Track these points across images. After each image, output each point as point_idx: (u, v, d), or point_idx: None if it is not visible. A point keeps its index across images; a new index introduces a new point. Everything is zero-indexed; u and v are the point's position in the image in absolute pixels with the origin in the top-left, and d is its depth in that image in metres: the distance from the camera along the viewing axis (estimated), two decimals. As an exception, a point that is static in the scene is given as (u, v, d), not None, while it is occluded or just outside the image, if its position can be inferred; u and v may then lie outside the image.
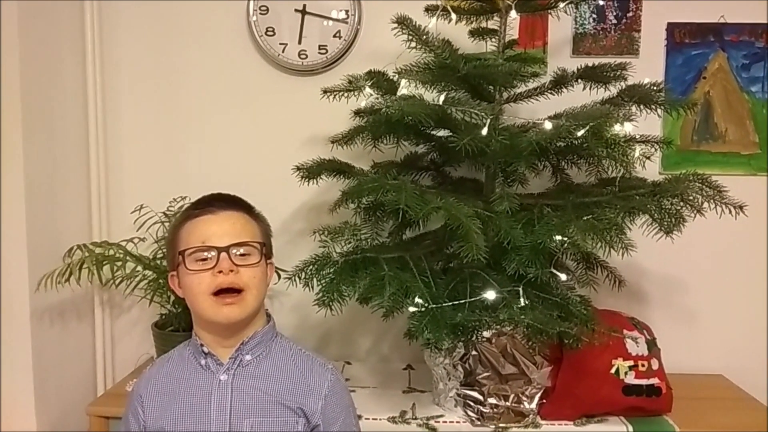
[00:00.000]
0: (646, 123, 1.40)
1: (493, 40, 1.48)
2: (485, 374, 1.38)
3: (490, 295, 1.30)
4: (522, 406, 1.40)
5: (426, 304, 1.27)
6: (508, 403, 1.39)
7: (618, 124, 1.27)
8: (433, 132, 1.48)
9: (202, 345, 1.12)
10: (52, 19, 1.65)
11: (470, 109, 1.29)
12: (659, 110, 1.44)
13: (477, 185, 1.59)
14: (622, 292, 1.64)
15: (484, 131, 1.28)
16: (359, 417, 1.29)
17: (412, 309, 1.27)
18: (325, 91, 1.47)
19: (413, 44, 1.39)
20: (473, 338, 1.36)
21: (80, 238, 1.70)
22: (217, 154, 1.83)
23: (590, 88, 1.48)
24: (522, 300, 1.29)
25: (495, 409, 1.39)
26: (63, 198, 1.70)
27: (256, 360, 1.12)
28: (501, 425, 1.38)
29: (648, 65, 1.72)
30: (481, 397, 1.39)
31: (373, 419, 1.41)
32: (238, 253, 1.08)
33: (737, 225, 1.36)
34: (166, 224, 1.64)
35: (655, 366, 1.43)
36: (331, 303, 1.29)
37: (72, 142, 1.74)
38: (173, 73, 1.82)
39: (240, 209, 1.14)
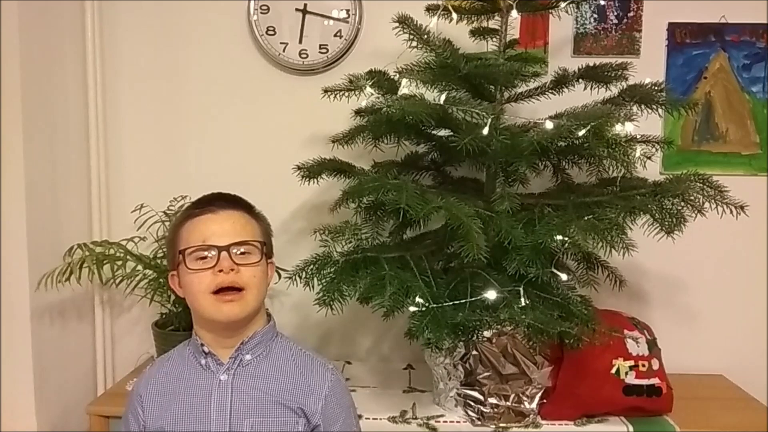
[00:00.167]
0: (647, 123, 1.40)
1: (494, 39, 1.48)
2: (486, 374, 1.38)
3: (491, 294, 1.30)
4: (522, 406, 1.40)
5: (426, 304, 1.27)
6: (508, 403, 1.39)
7: (619, 124, 1.27)
8: (434, 131, 1.48)
9: (202, 345, 1.12)
10: (53, 19, 1.65)
11: (471, 108, 1.29)
12: (660, 110, 1.44)
13: (478, 185, 1.59)
14: (622, 292, 1.64)
15: (485, 131, 1.28)
16: (359, 417, 1.29)
17: (412, 309, 1.27)
18: (325, 91, 1.47)
19: (414, 44, 1.40)
20: (474, 338, 1.36)
21: (80, 237, 1.70)
22: (218, 153, 1.83)
23: (591, 88, 1.48)
24: (523, 300, 1.29)
25: (495, 409, 1.39)
26: (63, 197, 1.70)
27: (256, 360, 1.12)
28: (501, 425, 1.38)
29: (649, 65, 1.72)
30: (481, 397, 1.39)
31: (373, 419, 1.41)
32: (238, 252, 1.08)
33: (738, 225, 1.35)
34: (167, 223, 1.64)
35: (655, 366, 1.43)
36: (331, 302, 1.29)
37: (72, 142, 1.74)
38: (174, 73, 1.82)
39: (240, 208, 1.14)
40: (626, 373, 1.40)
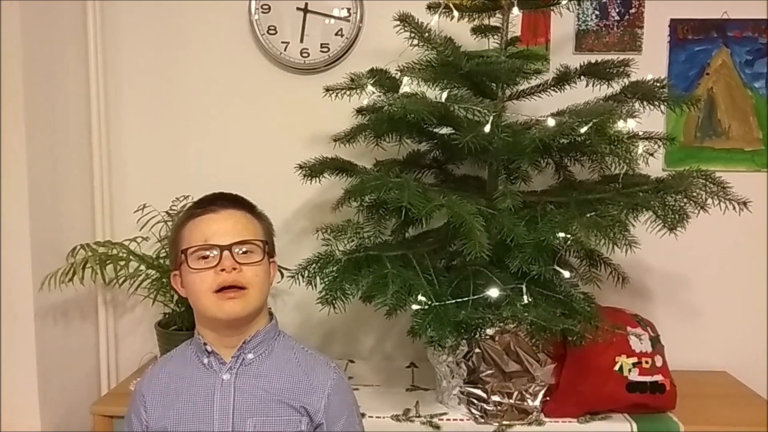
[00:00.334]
0: (649, 119, 1.40)
1: (496, 37, 1.48)
2: (489, 372, 1.38)
3: (494, 292, 1.30)
4: (525, 403, 1.40)
5: (429, 302, 1.27)
6: (511, 401, 1.39)
7: (621, 120, 1.27)
8: (436, 129, 1.48)
9: (205, 344, 1.12)
10: (54, 19, 1.65)
11: (473, 106, 1.29)
12: (662, 107, 1.44)
13: (480, 183, 1.58)
14: (625, 288, 1.64)
15: (487, 128, 1.27)
16: (362, 415, 1.29)
17: (415, 307, 1.27)
18: (327, 90, 1.47)
19: (415, 42, 1.39)
20: (476, 336, 1.36)
21: (83, 237, 1.71)
22: (220, 153, 1.83)
23: (593, 85, 1.48)
24: (525, 297, 1.29)
25: (498, 407, 1.39)
26: (66, 197, 1.70)
27: (258, 359, 1.12)
28: (504, 423, 1.37)
29: (651, 62, 1.71)
30: (484, 395, 1.39)
31: (376, 417, 1.41)
32: (240, 251, 1.09)
33: (741, 221, 1.35)
34: (169, 223, 1.65)
35: (658, 363, 1.42)
36: (334, 301, 1.29)
37: (75, 142, 1.74)
38: (175, 72, 1.82)
39: (242, 208, 1.14)
40: (629, 370, 1.40)
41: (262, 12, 1.76)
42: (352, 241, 1.38)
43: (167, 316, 1.66)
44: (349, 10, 1.75)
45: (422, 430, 1.38)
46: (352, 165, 1.51)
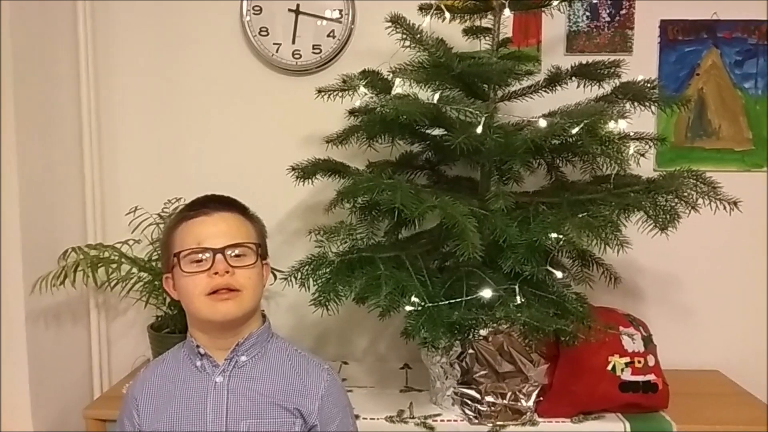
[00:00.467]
0: (640, 120, 1.41)
1: (487, 38, 1.48)
2: (482, 372, 1.38)
3: (487, 293, 1.30)
4: (519, 403, 1.40)
5: (422, 303, 1.27)
6: (505, 401, 1.39)
7: (612, 121, 1.27)
8: (428, 131, 1.48)
9: (198, 346, 1.11)
10: (46, 20, 1.64)
11: (465, 107, 1.29)
12: (653, 107, 1.44)
13: (472, 184, 1.59)
14: (617, 288, 1.64)
15: (479, 129, 1.28)
16: (356, 417, 1.29)
17: (408, 308, 1.27)
18: (319, 91, 1.47)
19: (407, 43, 1.39)
20: (470, 337, 1.36)
21: (75, 240, 1.70)
22: (212, 154, 1.82)
23: (584, 86, 1.49)
24: (518, 298, 1.29)
25: (492, 408, 1.39)
26: (58, 200, 1.69)
27: (251, 361, 1.12)
28: (498, 423, 1.38)
29: (641, 62, 1.72)
30: (478, 396, 1.39)
31: (370, 419, 1.41)
32: (233, 254, 1.08)
33: (732, 221, 1.36)
34: (161, 226, 1.64)
35: (651, 362, 1.43)
36: (327, 303, 1.29)
37: (66, 144, 1.73)
38: (167, 74, 1.81)
39: (235, 210, 1.14)
40: (622, 370, 1.40)
41: (254, 13, 1.76)
42: (345, 242, 1.37)
43: (160, 318, 1.65)
44: (340, 11, 1.75)
45: (416, 431, 1.38)
46: (344, 166, 1.51)
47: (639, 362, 1.41)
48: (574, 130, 1.26)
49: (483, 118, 1.27)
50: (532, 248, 1.28)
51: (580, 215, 1.29)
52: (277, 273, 1.43)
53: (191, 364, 1.12)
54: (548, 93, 1.51)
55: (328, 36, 1.76)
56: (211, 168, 1.81)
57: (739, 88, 1.76)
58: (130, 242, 1.68)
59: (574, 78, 1.48)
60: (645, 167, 1.46)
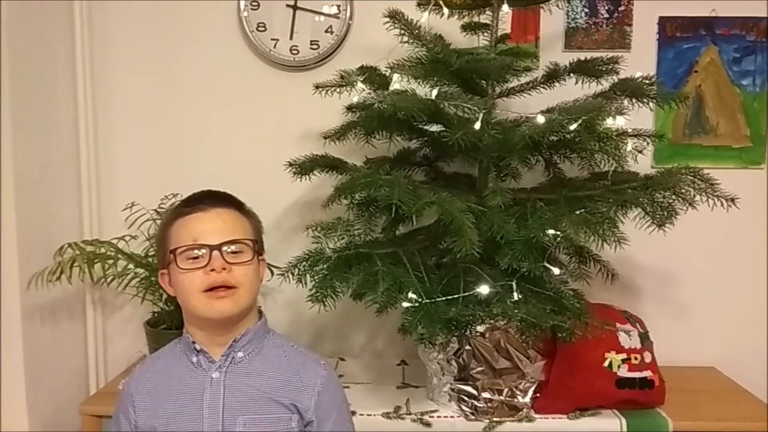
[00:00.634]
0: (638, 117, 1.40)
1: (486, 34, 1.48)
2: (479, 369, 1.39)
3: (484, 289, 1.30)
4: (516, 400, 1.40)
5: (419, 300, 1.27)
6: (501, 398, 1.39)
7: (610, 118, 1.27)
8: (426, 127, 1.47)
9: (194, 342, 1.11)
10: (42, 16, 1.63)
11: (463, 103, 1.29)
12: (651, 104, 1.44)
13: (470, 180, 1.59)
14: (614, 285, 1.65)
15: (477, 126, 1.28)
16: (353, 413, 1.29)
17: (405, 304, 1.27)
18: (317, 87, 1.47)
19: (405, 39, 1.39)
20: (467, 333, 1.36)
21: (71, 236, 1.69)
22: (209, 150, 1.82)
23: (582, 83, 1.49)
24: (515, 294, 1.29)
25: (489, 404, 1.39)
26: (54, 196, 1.68)
27: (248, 357, 1.12)
28: (495, 419, 1.38)
29: (640, 59, 1.71)
30: (475, 392, 1.39)
31: (367, 415, 1.41)
32: (229, 250, 1.08)
33: (729, 218, 1.36)
34: (158, 221, 1.63)
35: (647, 359, 1.43)
36: (324, 299, 1.29)
37: (63, 140, 1.73)
38: (164, 69, 1.81)
39: (231, 206, 1.13)
40: (619, 366, 1.40)
41: (251, 9, 1.75)
42: (343, 238, 1.37)
43: (156, 314, 1.65)
44: (338, 6, 1.74)
45: (413, 428, 1.38)
46: (342, 162, 1.51)
47: (636, 359, 1.41)
48: (572, 127, 1.25)
49: (481, 115, 1.27)
50: (530, 245, 1.28)
51: (578, 212, 1.29)
52: (274, 269, 1.43)
53: (187, 360, 1.12)
54: (546, 89, 1.51)
55: (326, 32, 1.75)
56: (207, 163, 1.81)
57: (737, 85, 1.76)
58: (127, 238, 1.68)
59: (572, 74, 1.48)
60: (643, 164, 1.46)
